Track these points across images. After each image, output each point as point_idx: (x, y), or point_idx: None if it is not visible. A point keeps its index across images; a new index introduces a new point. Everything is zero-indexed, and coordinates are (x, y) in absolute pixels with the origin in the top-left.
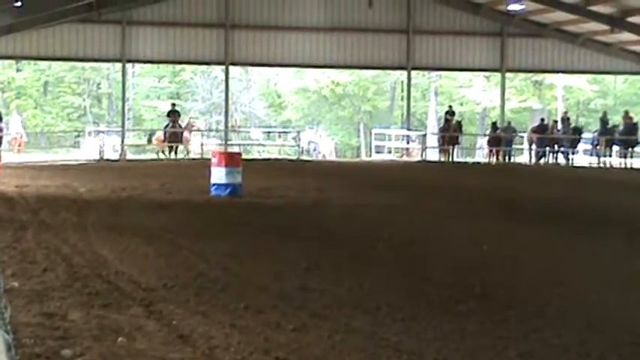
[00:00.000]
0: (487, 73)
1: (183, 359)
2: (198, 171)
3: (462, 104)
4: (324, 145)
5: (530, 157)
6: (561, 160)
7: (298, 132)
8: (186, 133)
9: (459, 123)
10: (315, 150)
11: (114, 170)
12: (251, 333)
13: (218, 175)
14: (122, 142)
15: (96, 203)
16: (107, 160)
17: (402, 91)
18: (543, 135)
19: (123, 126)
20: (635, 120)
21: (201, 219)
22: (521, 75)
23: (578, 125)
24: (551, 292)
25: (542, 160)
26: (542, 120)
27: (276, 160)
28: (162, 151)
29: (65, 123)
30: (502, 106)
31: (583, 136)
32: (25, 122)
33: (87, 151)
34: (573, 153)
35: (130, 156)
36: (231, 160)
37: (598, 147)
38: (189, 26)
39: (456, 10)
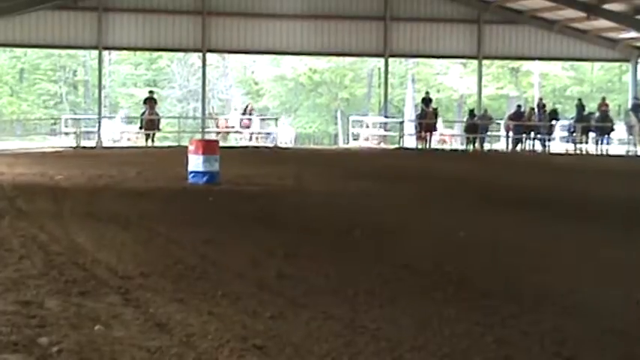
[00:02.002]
0: (464, 60)
1: (161, 347)
2: (175, 159)
3: (438, 91)
4: (282, 133)
5: (507, 145)
6: (538, 147)
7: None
8: (245, 120)
9: (435, 110)
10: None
11: (90, 158)
12: (228, 320)
13: (195, 162)
14: (99, 129)
15: (73, 191)
16: (84, 147)
17: (379, 78)
18: (520, 122)
19: (100, 113)
20: (610, 107)
21: (179, 207)
22: (498, 62)
23: (555, 108)
24: (528, 279)
25: (518, 147)
26: (519, 107)
27: (253, 147)
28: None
29: (41, 110)
30: (479, 93)
31: (560, 123)
32: None
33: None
34: (549, 140)
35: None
36: (209, 147)
37: (574, 134)
38: (166, 13)
39: None
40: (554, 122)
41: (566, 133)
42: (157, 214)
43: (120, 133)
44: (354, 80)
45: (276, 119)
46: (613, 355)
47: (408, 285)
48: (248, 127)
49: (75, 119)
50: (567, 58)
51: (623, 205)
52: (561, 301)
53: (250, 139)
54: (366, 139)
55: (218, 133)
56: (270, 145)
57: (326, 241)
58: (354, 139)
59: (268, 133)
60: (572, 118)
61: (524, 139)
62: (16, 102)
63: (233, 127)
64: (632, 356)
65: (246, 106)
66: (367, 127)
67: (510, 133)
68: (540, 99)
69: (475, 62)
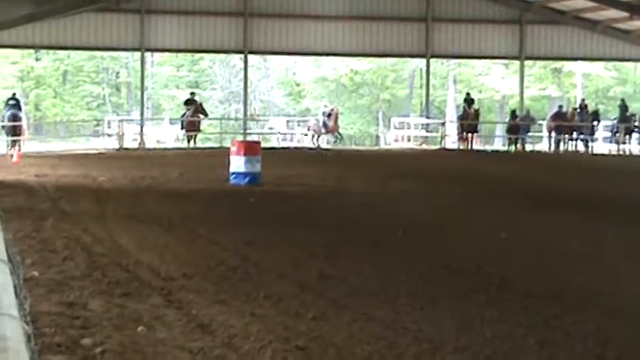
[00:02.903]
0: (506, 61)
1: (203, 348)
2: (217, 160)
3: (480, 92)
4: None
5: (550, 145)
6: (580, 147)
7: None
8: (330, 122)
9: (477, 111)
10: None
11: (133, 159)
12: (270, 322)
13: (237, 163)
14: (141, 130)
15: (115, 192)
16: (126, 149)
17: (421, 79)
18: (561, 122)
19: (142, 115)
20: None
21: (221, 208)
22: (540, 63)
23: (596, 109)
24: (571, 279)
25: (561, 148)
26: (560, 107)
27: (295, 148)
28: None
29: (84, 112)
30: (521, 94)
31: (602, 123)
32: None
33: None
34: (592, 140)
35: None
36: (250, 148)
37: (617, 134)
38: (208, 15)
39: None
40: (595, 123)
41: (608, 134)
42: (199, 215)
43: (168, 135)
44: (395, 81)
45: (318, 120)
46: None
47: (450, 286)
48: (333, 131)
49: (118, 121)
50: (610, 59)
51: None
52: (605, 302)
53: (339, 139)
54: (395, 140)
55: (306, 135)
56: (313, 146)
57: (367, 241)
58: (396, 140)
59: (292, 134)
60: (614, 119)
61: (566, 140)
62: (59, 104)
63: (272, 128)
64: None
65: (332, 109)
66: (409, 127)
67: (553, 134)
68: (583, 99)
69: (517, 63)
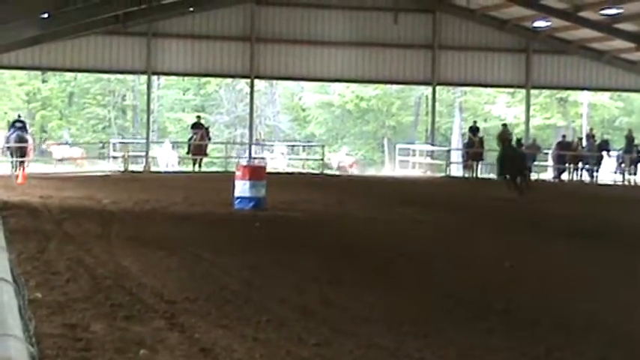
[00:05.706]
0: (512, 90)
1: None
2: (222, 184)
3: (486, 120)
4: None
5: (555, 174)
6: (586, 177)
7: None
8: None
9: (482, 139)
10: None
11: (138, 182)
12: (273, 347)
13: (242, 188)
14: (147, 153)
15: (119, 215)
16: (132, 171)
17: (427, 106)
18: (564, 152)
19: (147, 138)
20: None
21: (225, 232)
22: (546, 92)
23: (606, 139)
24: (574, 309)
25: (565, 177)
26: (564, 137)
27: (300, 174)
28: None
29: (90, 134)
30: (527, 123)
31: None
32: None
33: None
34: (597, 170)
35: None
36: (255, 173)
37: (623, 165)
38: (215, 39)
39: (481, 25)
40: (604, 153)
41: (614, 164)
42: (202, 239)
43: (168, 157)
44: (401, 108)
45: (323, 146)
46: None
47: (453, 314)
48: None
49: (123, 143)
50: (616, 89)
51: None
52: (609, 331)
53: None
54: (345, 166)
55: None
56: (317, 171)
57: (371, 268)
58: (401, 167)
59: (263, 158)
60: (620, 149)
61: (571, 169)
62: (65, 126)
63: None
64: None
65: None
66: (414, 155)
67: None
68: (591, 129)
69: (523, 91)
